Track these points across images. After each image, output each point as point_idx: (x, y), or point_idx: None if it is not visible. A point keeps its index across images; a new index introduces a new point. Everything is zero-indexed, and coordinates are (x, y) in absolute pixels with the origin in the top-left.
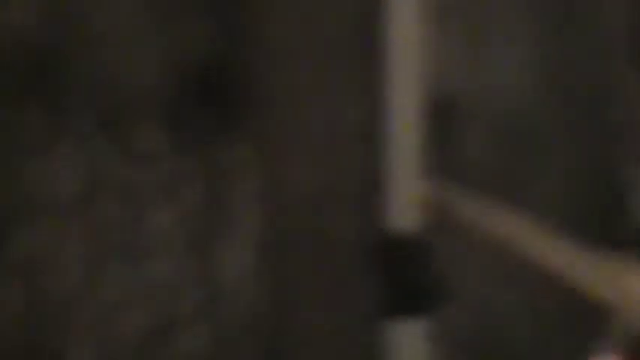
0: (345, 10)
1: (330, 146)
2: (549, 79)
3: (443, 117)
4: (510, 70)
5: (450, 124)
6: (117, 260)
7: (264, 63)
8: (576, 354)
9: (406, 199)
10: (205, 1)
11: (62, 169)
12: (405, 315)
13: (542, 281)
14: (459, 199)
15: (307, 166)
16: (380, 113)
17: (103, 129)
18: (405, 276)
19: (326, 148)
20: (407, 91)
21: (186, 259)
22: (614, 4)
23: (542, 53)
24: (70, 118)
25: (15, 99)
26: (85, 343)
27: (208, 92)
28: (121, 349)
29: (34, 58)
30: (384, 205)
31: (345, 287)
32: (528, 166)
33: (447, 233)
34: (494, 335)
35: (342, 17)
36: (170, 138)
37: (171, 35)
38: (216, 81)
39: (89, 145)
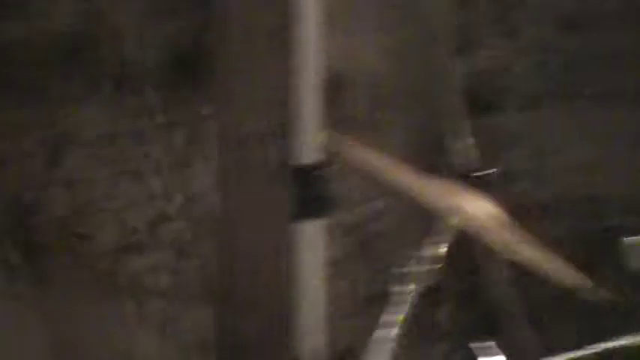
0: (272, 14)
1: (261, 103)
2: (399, 59)
3: (333, 87)
4: (374, 53)
5: (338, 92)
6: (127, 178)
7: (222, 47)
8: (420, 239)
9: (311, 140)
10: (185, 5)
11: (93, 115)
12: (311, 217)
13: (400, 194)
14: (345, 141)
15: (247, 116)
16: (292, 83)
17: (118, 90)
18: (310, 191)
19: (258, 104)
20: (309, 68)
21: (171, 177)
22: (439, 5)
23: (393, 40)
24: (98, 83)
25: (62, 70)
26: (107, 230)
27: (187, 67)
28: (132, 234)
29: (75, 45)
30: (297, 145)
31: (272, 197)
32: (387, 120)
33: (337, 165)
34: (371, 229)
35: (271, 18)
36: (162, 98)
37: (162, 28)
38: (193, 60)
39: (109, 101)
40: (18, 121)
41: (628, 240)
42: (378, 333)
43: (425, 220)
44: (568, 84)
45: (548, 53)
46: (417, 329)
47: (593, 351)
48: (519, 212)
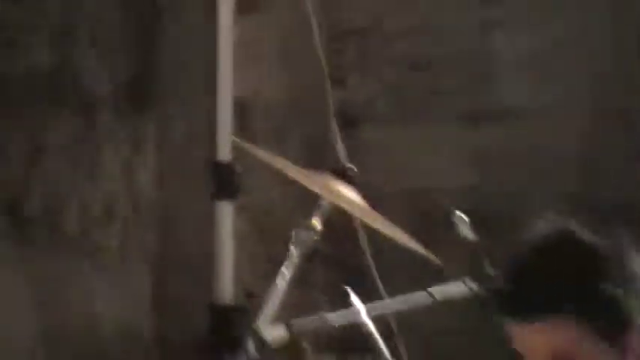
0: (199, 58)
1: (189, 119)
2: (292, 89)
3: (241, 108)
4: (273, 85)
5: (245, 111)
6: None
7: (162, 80)
8: (305, 216)
9: (227, 147)
10: (132, 42)
11: (60, 131)
12: (226, 199)
13: (291, 184)
14: (250, 146)
15: (181, 133)
16: (214, 107)
17: (78, 113)
18: (225, 180)
19: (187, 121)
20: (224, 95)
21: (121, 175)
22: (320, 51)
23: (288, 75)
24: (65, 106)
25: (39, 95)
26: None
27: (136, 95)
28: (94, 213)
29: (50, 77)
30: (215, 147)
31: (197, 185)
32: (283, 132)
33: (247, 162)
34: (270, 209)
35: (199, 59)
36: (116, 118)
37: (112, 62)
38: (139, 87)
39: (73, 120)
40: (4, 131)
41: (458, 214)
42: (275, 282)
43: (309, 202)
44: (415, 109)
45: (400, 88)
46: (300, 281)
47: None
48: (374, 199)
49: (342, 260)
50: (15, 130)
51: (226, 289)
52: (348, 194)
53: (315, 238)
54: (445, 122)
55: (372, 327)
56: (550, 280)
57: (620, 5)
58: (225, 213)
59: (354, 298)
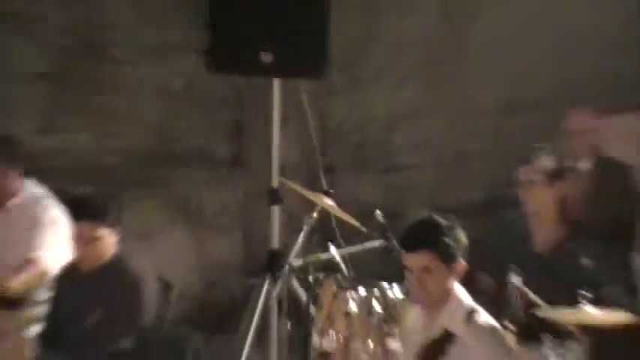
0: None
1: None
2: None
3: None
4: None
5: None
6: None
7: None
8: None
9: (276, 182)
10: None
11: None
12: None
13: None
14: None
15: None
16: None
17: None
18: None
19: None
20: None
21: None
22: None
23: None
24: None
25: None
26: None
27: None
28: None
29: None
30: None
31: None
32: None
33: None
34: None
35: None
36: (226, 171)
37: (223, 144)
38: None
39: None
40: None
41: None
42: (297, 239)
43: (313, 207)
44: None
45: None
46: (306, 242)
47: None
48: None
49: (324, 230)
50: None
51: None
52: (328, 202)
53: (313, 221)
54: None
55: (340, 260)
56: (421, 232)
57: None
58: (275, 214)
59: (331, 247)
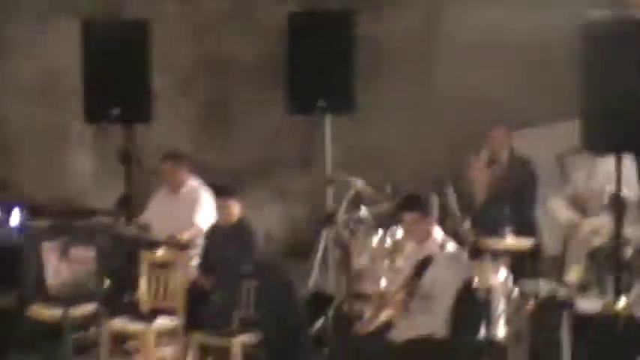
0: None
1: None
2: None
3: None
4: None
5: None
6: None
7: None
8: None
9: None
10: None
11: None
12: None
13: None
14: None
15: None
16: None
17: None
18: None
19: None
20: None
21: None
22: None
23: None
24: None
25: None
26: None
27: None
28: None
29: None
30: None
31: None
32: None
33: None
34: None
35: None
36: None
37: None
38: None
39: None
40: None
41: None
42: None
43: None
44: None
45: None
46: None
47: None
48: None
49: (358, 199)
50: None
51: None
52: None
53: (352, 195)
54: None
55: (367, 215)
56: (409, 201)
57: None
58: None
59: (363, 208)
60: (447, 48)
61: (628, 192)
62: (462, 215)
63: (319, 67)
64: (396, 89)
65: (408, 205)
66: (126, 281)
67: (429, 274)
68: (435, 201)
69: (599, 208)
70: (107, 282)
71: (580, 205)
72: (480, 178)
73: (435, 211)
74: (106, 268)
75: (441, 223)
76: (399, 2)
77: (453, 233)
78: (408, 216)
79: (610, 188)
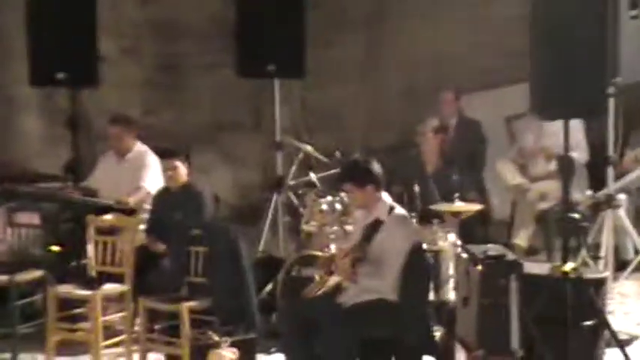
0: None
1: None
2: None
3: None
4: None
5: None
6: None
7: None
8: None
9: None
10: None
11: None
12: None
13: None
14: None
15: None
16: None
17: None
18: None
19: None
20: None
21: None
22: None
23: None
24: None
25: None
26: None
27: None
28: None
29: None
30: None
31: None
32: None
33: None
34: None
35: None
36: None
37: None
38: None
39: None
40: None
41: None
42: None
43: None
44: None
45: None
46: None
47: None
48: None
49: (307, 164)
50: None
51: None
52: (308, 147)
53: (300, 159)
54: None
55: (315, 181)
56: (354, 166)
57: None
58: (279, 156)
59: (311, 174)
60: (399, 6)
61: (577, 155)
62: (412, 181)
63: (268, 31)
64: (347, 52)
65: (345, 175)
66: (73, 247)
67: (378, 239)
68: (378, 168)
69: (546, 165)
70: (54, 248)
71: (531, 166)
72: (430, 145)
73: (381, 178)
74: (52, 234)
75: (389, 189)
76: None
77: (402, 199)
78: (346, 186)
79: (558, 151)
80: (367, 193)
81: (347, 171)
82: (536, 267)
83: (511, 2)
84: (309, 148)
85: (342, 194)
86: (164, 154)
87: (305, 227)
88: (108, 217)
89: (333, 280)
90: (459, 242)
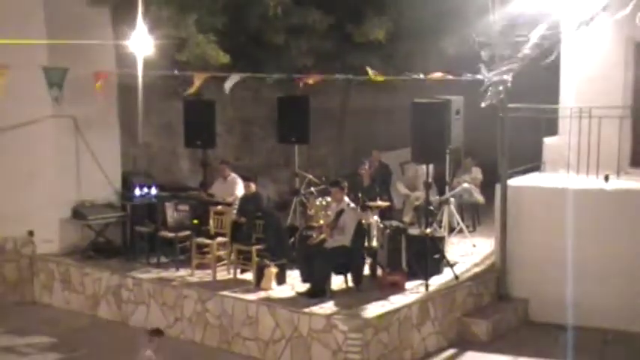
0: None
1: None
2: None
3: None
4: None
5: None
6: None
7: None
8: None
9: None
10: None
11: None
12: None
13: None
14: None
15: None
16: None
17: None
18: None
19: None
20: None
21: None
22: None
23: None
24: None
25: None
26: None
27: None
28: None
29: None
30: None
31: None
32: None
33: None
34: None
35: None
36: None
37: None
38: None
39: None
40: None
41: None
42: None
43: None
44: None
45: None
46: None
47: None
48: None
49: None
50: None
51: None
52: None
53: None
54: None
55: (313, 190)
56: (333, 183)
57: None
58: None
59: (312, 188)
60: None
61: (430, 180)
62: (356, 190)
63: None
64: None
65: (333, 185)
66: (204, 221)
67: (342, 218)
68: (344, 183)
69: (420, 185)
70: (194, 221)
71: (411, 185)
72: (365, 174)
73: (345, 187)
74: (194, 215)
75: (347, 193)
76: None
77: (354, 199)
78: (333, 190)
79: (423, 179)
80: (341, 194)
81: (334, 183)
82: (414, 231)
83: None
84: (310, 175)
85: (327, 198)
86: (244, 179)
87: (309, 212)
88: (219, 207)
89: (321, 236)
90: (379, 220)
